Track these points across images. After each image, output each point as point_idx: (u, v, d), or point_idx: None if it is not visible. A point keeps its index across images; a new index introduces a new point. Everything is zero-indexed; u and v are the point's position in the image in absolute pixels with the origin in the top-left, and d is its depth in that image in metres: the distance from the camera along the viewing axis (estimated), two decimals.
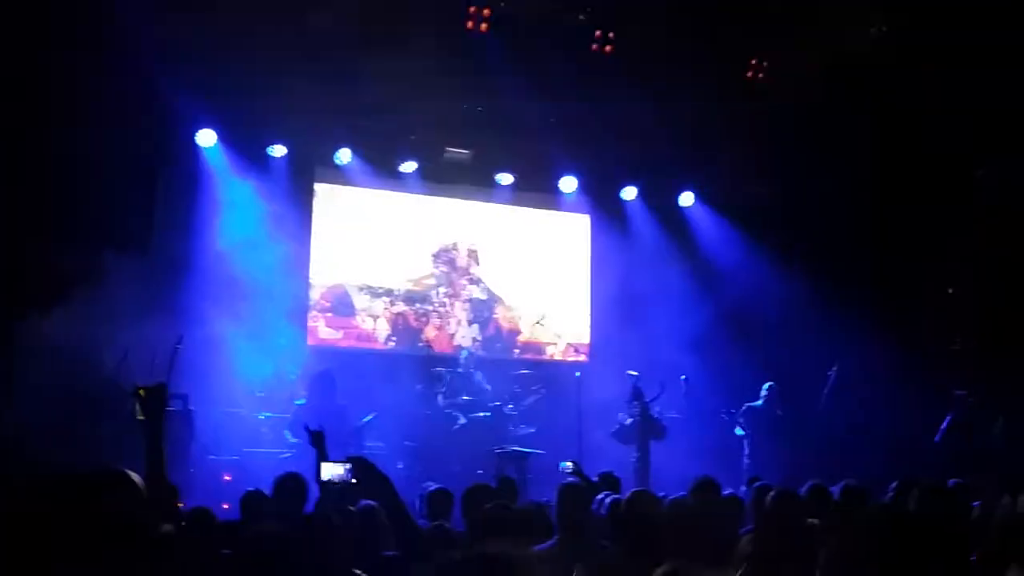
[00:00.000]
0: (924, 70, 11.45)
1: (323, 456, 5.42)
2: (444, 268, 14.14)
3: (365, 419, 11.13)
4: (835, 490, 6.09)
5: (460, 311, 14.16)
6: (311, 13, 11.28)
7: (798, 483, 6.12)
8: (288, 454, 10.31)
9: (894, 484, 6.32)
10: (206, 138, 12.18)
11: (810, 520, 5.20)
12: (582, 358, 14.15)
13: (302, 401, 11.13)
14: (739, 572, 4.70)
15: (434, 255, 14.11)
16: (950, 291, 12.32)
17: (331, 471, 5.21)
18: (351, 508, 5.11)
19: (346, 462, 5.12)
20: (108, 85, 10.48)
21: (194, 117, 11.82)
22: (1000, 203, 11.86)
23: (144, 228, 11.41)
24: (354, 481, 4.98)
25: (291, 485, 5.73)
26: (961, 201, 12.33)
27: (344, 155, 13.09)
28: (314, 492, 5.57)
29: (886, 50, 11.44)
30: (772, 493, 5.35)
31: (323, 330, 13.32)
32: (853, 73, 11.84)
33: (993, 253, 12.02)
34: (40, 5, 10.22)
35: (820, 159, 12.91)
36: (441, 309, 14.06)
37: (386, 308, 13.69)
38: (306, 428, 5.91)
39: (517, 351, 14.32)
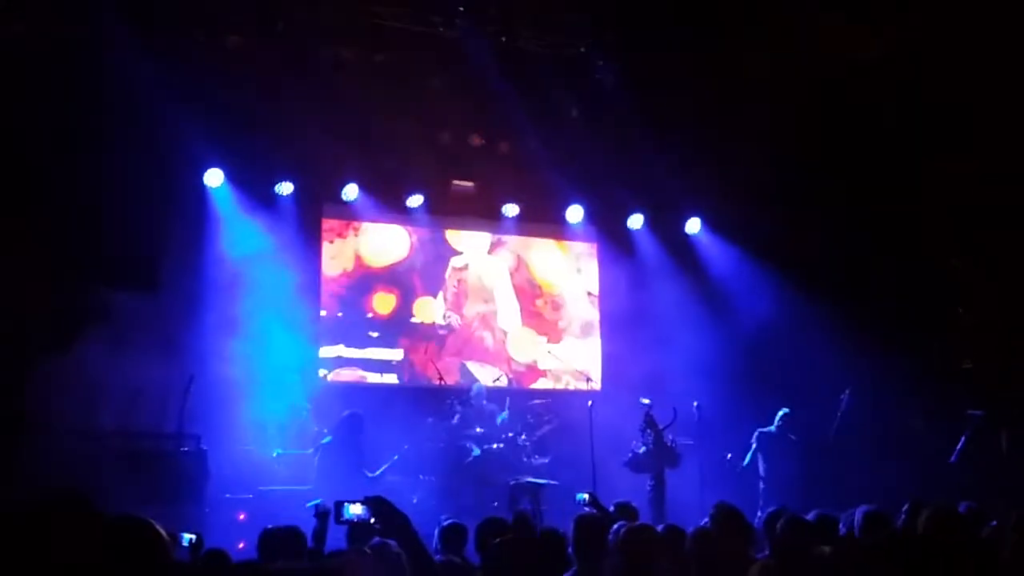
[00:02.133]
0: (928, 84, 11.50)
1: (323, 533, 5.31)
2: (453, 300, 14.18)
3: (386, 464, 11.14)
4: (857, 515, 6.06)
5: (471, 342, 14.17)
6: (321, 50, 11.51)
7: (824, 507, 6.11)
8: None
9: (905, 507, 6.30)
10: (213, 178, 12.28)
11: (821, 547, 5.19)
12: (594, 386, 14.14)
13: (328, 439, 11.06)
14: None
15: (443, 288, 14.15)
16: (960, 311, 12.29)
17: (351, 511, 5.17)
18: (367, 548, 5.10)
19: (364, 502, 5.05)
20: (116, 127, 10.62)
21: (201, 157, 11.93)
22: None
23: (153, 267, 11.49)
24: (373, 521, 4.93)
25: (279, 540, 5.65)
26: (969, 222, 12.31)
27: (351, 191, 13.19)
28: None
29: (885, 67, 11.51)
30: (782, 520, 5.34)
31: (334, 364, 13.34)
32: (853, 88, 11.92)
33: (1001, 271, 12.00)
34: (46, 53, 10.38)
35: (826, 181, 12.93)
36: (452, 341, 14.08)
37: (396, 341, 13.72)
38: (315, 506, 5.85)
39: (528, 381, 14.33)
